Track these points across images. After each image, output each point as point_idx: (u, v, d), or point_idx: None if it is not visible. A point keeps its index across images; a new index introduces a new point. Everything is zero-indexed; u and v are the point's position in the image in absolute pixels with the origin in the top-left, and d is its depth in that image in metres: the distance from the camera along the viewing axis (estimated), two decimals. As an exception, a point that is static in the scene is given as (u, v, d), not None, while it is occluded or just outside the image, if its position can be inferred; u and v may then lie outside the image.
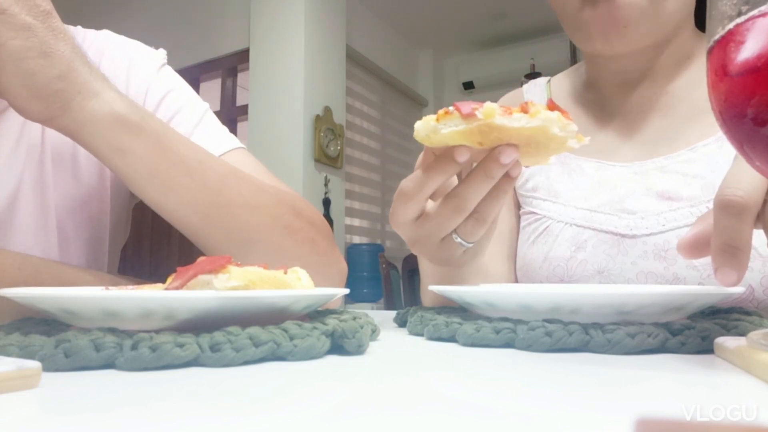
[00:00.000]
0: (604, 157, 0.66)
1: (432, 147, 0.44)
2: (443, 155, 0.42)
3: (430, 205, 0.47)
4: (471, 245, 0.47)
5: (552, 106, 0.40)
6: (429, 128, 0.41)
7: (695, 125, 0.61)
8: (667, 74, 0.64)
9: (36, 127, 0.57)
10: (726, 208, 0.30)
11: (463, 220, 0.45)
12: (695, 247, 0.34)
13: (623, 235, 0.60)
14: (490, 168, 0.42)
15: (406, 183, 0.44)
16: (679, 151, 0.61)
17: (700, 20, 0.65)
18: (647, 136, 0.64)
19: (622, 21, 0.57)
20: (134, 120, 0.46)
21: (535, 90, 0.78)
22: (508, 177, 0.43)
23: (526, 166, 0.55)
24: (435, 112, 0.40)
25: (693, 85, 0.64)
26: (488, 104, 0.39)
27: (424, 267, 0.61)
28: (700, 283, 0.55)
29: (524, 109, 0.39)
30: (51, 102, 0.42)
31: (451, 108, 0.40)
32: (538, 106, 0.39)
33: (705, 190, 0.57)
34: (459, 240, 0.46)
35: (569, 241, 0.63)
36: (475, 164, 0.44)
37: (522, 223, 0.71)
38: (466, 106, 0.39)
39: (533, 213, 0.69)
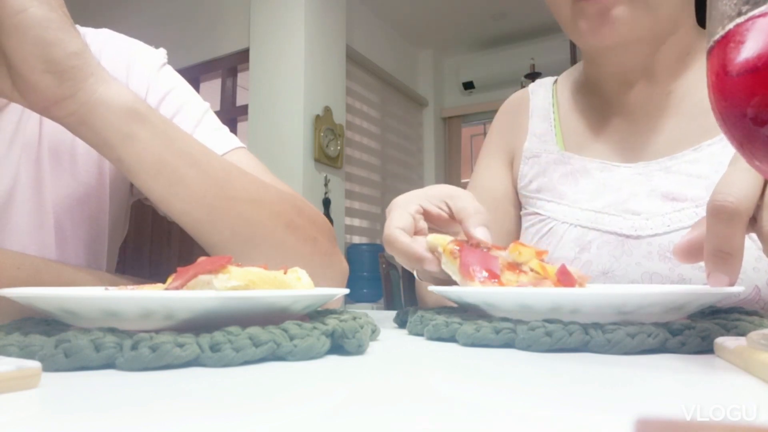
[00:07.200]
0: (607, 158, 0.66)
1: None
2: None
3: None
4: None
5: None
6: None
7: (700, 125, 0.61)
8: (667, 72, 0.64)
9: (32, 126, 0.57)
10: (717, 214, 0.31)
11: None
12: (690, 252, 0.34)
13: (628, 236, 0.60)
14: None
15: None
16: (684, 151, 0.60)
17: (703, 17, 0.65)
18: (651, 137, 0.64)
19: (611, 10, 0.57)
20: (142, 110, 0.46)
21: (540, 91, 0.77)
22: None
23: None
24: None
25: (696, 85, 0.63)
26: None
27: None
28: (705, 283, 0.55)
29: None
30: (65, 79, 0.42)
31: None
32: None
33: (709, 190, 0.56)
34: None
35: (574, 242, 0.63)
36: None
37: (525, 224, 0.71)
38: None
39: (537, 214, 0.69)
